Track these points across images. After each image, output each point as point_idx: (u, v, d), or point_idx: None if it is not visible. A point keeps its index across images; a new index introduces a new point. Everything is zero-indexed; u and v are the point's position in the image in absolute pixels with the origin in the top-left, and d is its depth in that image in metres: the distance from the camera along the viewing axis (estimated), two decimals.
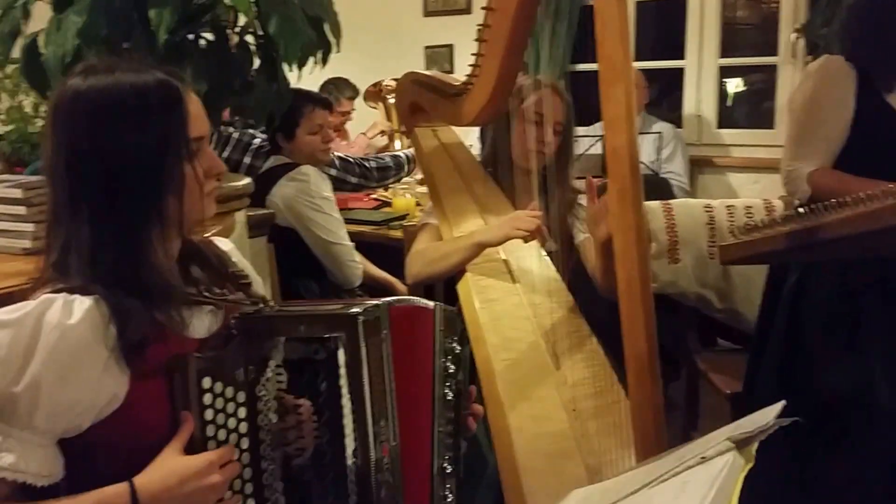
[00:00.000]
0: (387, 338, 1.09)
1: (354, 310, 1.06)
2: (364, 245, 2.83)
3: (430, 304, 1.19)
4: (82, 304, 0.96)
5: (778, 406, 0.75)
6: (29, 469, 0.93)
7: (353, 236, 2.70)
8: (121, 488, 0.95)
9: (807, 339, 1.90)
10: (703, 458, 0.70)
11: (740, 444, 0.69)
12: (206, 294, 1.09)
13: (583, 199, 1.98)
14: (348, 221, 2.79)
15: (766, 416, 0.73)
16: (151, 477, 0.97)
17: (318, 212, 2.56)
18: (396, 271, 2.78)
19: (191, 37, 1.82)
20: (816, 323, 1.89)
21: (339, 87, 4.14)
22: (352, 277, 2.64)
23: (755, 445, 0.70)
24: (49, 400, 0.93)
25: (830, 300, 1.87)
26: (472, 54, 1.67)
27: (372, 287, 2.78)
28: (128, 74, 1.01)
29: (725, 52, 3.88)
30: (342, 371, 1.05)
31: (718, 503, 0.63)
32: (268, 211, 2.44)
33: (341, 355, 1.05)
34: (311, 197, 2.54)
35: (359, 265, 2.67)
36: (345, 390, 1.05)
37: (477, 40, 1.65)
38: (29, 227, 1.58)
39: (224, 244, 1.26)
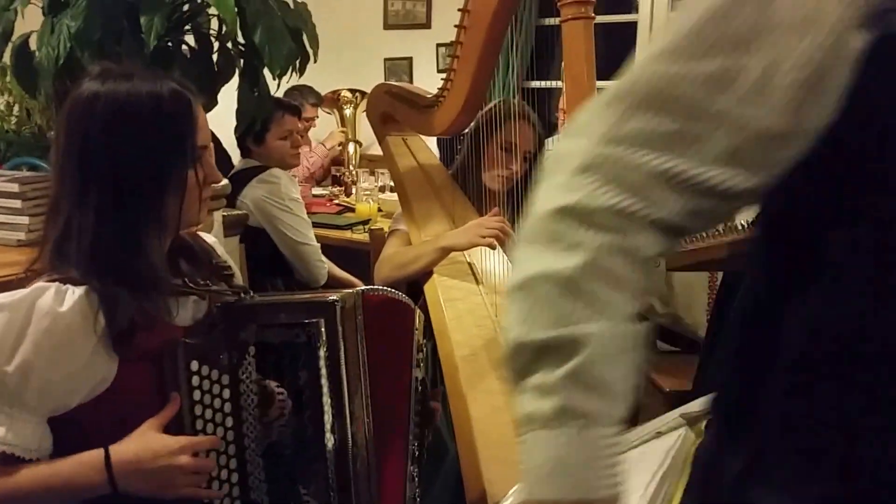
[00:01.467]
0: (360, 323, 1.18)
1: (332, 297, 1.15)
2: (328, 248, 2.91)
3: (410, 301, 1.28)
4: (73, 294, 1.02)
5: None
6: (17, 442, 0.99)
7: (317, 239, 2.77)
8: (96, 452, 1.02)
9: None
10: (658, 432, 0.80)
11: (691, 421, 0.79)
12: (192, 285, 1.15)
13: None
14: (313, 225, 2.85)
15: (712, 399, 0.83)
16: (127, 447, 1.03)
17: (287, 213, 2.63)
18: (358, 272, 2.87)
19: (174, 42, 1.88)
20: None
21: (304, 94, 4.19)
22: (318, 276, 2.72)
23: (704, 423, 0.79)
24: (39, 379, 0.99)
25: None
26: (445, 69, 1.75)
27: (336, 287, 2.85)
28: (144, 82, 1.08)
29: None
30: (321, 353, 1.13)
31: (673, 469, 0.72)
32: (241, 212, 2.50)
33: (321, 338, 1.13)
34: (281, 199, 2.61)
35: (325, 266, 2.74)
36: (324, 371, 1.13)
37: (449, 56, 1.73)
38: (24, 219, 1.64)
39: (208, 238, 1.33)
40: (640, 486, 0.72)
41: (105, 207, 1.06)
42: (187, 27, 1.87)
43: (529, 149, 1.98)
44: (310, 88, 4.22)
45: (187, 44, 1.90)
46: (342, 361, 1.14)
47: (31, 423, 1.01)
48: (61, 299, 1.01)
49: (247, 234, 2.54)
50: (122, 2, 1.67)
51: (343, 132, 4.32)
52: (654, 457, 0.77)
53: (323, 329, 1.13)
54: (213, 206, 1.97)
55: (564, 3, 1.28)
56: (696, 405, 0.83)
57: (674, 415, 0.84)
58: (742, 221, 1.66)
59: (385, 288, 1.26)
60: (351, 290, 1.19)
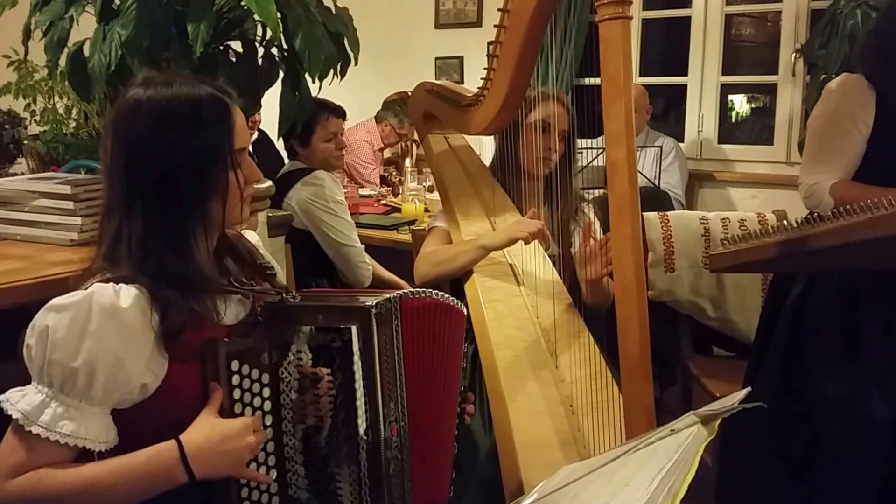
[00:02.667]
0: (398, 328, 1.18)
1: (368, 302, 1.15)
2: (373, 248, 2.94)
3: (457, 301, 1.28)
4: (129, 292, 1.05)
5: (743, 392, 0.84)
6: (88, 435, 1.04)
7: (363, 239, 2.81)
8: (169, 444, 1.05)
9: (808, 346, 1.93)
10: (672, 430, 0.80)
11: (705, 419, 0.78)
12: (237, 284, 1.18)
13: (585, 208, 2.08)
14: (359, 225, 2.89)
15: (732, 399, 0.82)
16: (196, 433, 1.06)
17: (331, 215, 2.67)
18: (404, 273, 2.89)
19: (221, 48, 1.94)
20: (815, 331, 1.92)
21: (405, 111, 4.21)
22: (361, 278, 2.75)
23: (718, 421, 0.78)
24: (105, 374, 1.03)
25: (831, 310, 1.90)
26: (484, 68, 1.75)
27: (380, 288, 2.88)
28: (184, 88, 1.11)
29: (728, 69, 3.97)
30: (356, 357, 1.14)
31: (680, 464, 0.71)
32: (286, 213, 2.55)
33: (355, 343, 1.13)
34: (325, 201, 2.65)
35: (368, 266, 2.77)
36: (358, 375, 1.14)
37: (489, 55, 1.73)
38: (76, 220, 1.70)
39: (252, 236, 1.36)
40: (647, 480, 0.71)
41: (151, 212, 1.09)
42: (233, 33, 1.92)
43: (564, 128, 1.98)
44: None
45: (233, 49, 1.95)
46: (377, 367, 1.14)
47: (98, 415, 1.05)
48: (120, 297, 1.05)
49: (292, 235, 2.59)
50: (170, 10, 1.72)
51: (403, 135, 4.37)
52: (664, 453, 0.76)
53: (356, 335, 1.13)
54: (256, 206, 2.02)
55: (601, 2, 1.26)
56: (717, 404, 0.82)
57: (690, 414, 0.83)
58: (793, 220, 1.64)
59: (429, 290, 1.26)
60: (389, 295, 1.18)
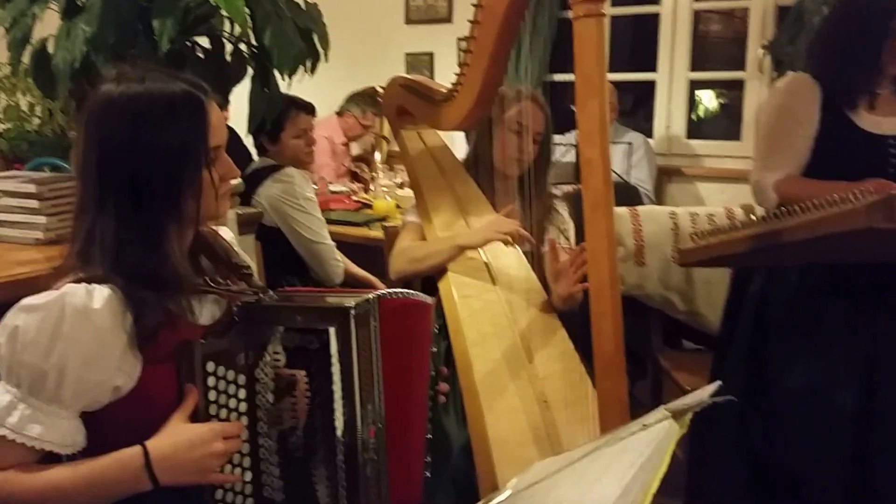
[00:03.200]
0: (376, 329, 1.17)
1: (347, 303, 1.13)
2: (345, 245, 2.92)
3: (428, 298, 1.28)
4: (102, 293, 1.03)
5: (713, 386, 0.84)
6: (55, 439, 1.02)
7: (334, 236, 2.79)
8: (134, 450, 1.03)
9: (770, 340, 1.97)
10: (644, 425, 0.80)
11: (676, 413, 0.79)
12: (212, 284, 1.17)
13: (559, 206, 2.09)
14: (330, 222, 2.87)
15: (703, 393, 0.83)
16: (163, 441, 1.05)
17: (301, 212, 2.65)
18: (376, 270, 2.88)
19: (188, 44, 1.91)
20: (778, 325, 1.96)
21: (367, 102, 4.21)
22: (333, 275, 2.73)
23: (689, 415, 0.79)
24: (75, 377, 1.01)
25: (792, 303, 1.94)
26: (459, 64, 1.75)
27: (352, 285, 2.86)
28: (157, 83, 1.09)
29: (696, 65, 4.01)
30: (334, 359, 1.12)
31: (653, 460, 0.72)
32: (256, 210, 2.53)
33: (333, 345, 1.12)
34: (296, 198, 2.63)
35: (340, 263, 2.76)
36: (336, 377, 1.13)
37: (462, 51, 1.72)
38: (41, 219, 1.67)
39: (227, 234, 1.34)
40: (620, 476, 0.72)
41: (124, 210, 1.07)
42: (200, 29, 1.89)
43: (540, 130, 1.98)
44: (373, 97, 4.23)
45: (200, 46, 1.93)
46: (355, 369, 1.13)
47: (66, 418, 1.04)
48: (92, 298, 1.03)
49: (262, 232, 2.56)
50: (136, 6, 1.70)
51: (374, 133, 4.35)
52: (637, 448, 0.77)
53: (334, 337, 1.12)
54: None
55: (576, 0, 1.27)
56: (687, 398, 0.83)
57: (661, 408, 0.84)
58: (760, 215, 1.68)
59: (404, 291, 1.26)
60: (368, 296, 1.17)
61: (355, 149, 4.68)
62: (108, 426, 1.06)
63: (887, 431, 1.84)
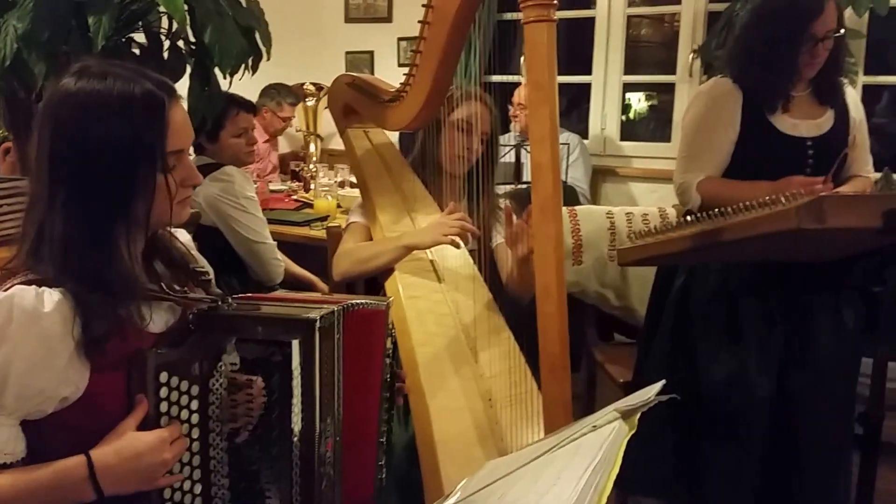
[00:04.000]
0: (339, 342, 1.14)
1: (312, 315, 1.09)
2: (285, 244, 2.89)
3: (383, 303, 1.26)
4: (52, 297, 1.00)
5: (658, 385, 0.87)
6: None
7: (274, 236, 2.76)
8: (78, 460, 1.00)
9: (691, 334, 2.03)
10: (594, 426, 0.82)
11: (625, 414, 0.81)
12: (168, 290, 1.12)
13: (502, 205, 2.11)
14: (270, 221, 2.83)
15: (649, 392, 0.85)
16: (108, 450, 1.02)
17: (241, 211, 2.61)
18: (317, 269, 2.87)
19: (124, 41, 1.87)
20: (700, 320, 2.02)
21: (282, 93, 4.15)
22: (273, 275, 2.70)
23: (637, 415, 0.81)
24: (18, 383, 0.98)
25: (712, 299, 2.01)
26: (401, 64, 1.74)
27: (292, 284, 2.84)
28: (118, 81, 1.05)
29: (630, 69, 4.10)
30: (295, 373, 1.09)
31: (605, 461, 0.74)
32: (194, 210, 2.48)
33: (296, 358, 1.08)
34: (236, 197, 2.59)
35: (281, 263, 2.73)
36: (297, 391, 1.09)
37: (412, 51, 1.71)
38: None
39: (183, 235, 1.29)
40: (574, 479, 0.73)
41: (73, 208, 1.04)
42: (137, 25, 1.85)
43: (486, 129, 1.98)
44: (288, 88, 4.17)
45: (136, 42, 1.88)
46: (317, 383, 1.10)
47: (6, 425, 1.00)
48: (42, 301, 0.99)
49: (199, 232, 2.51)
50: (70, 1, 1.64)
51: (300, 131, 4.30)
52: (589, 450, 0.78)
53: (297, 350, 1.08)
54: None
55: (527, 4, 1.27)
56: (633, 398, 0.85)
57: (610, 409, 0.86)
58: (688, 216, 1.71)
59: (366, 301, 1.23)
60: (333, 307, 1.14)
61: (283, 146, 4.62)
62: (53, 435, 1.03)
63: (796, 416, 1.95)
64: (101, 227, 1.06)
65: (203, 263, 1.28)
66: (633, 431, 0.79)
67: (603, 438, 0.77)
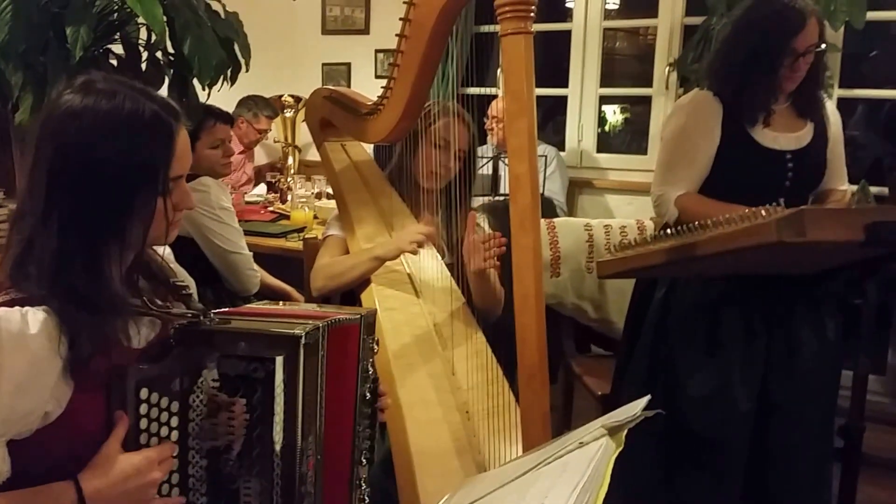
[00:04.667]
0: (323, 358, 1.13)
1: (297, 331, 1.07)
2: (260, 256, 2.87)
3: (356, 315, 1.24)
4: (36, 317, 0.98)
5: (644, 400, 0.88)
6: None
7: (251, 247, 2.73)
8: (66, 485, 0.98)
9: (671, 347, 2.04)
10: (581, 443, 0.82)
11: (612, 430, 0.81)
12: (149, 305, 1.11)
13: (480, 219, 2.12)
14: (246, 233, 2.80)
15: (634, 408, 0.86)
16: (96, 474, 1.00)
17: (217, 222, 2.57)
18: (293, 281, 2.84)
19: (101, 52, 1.85)
20: (680, 333, 2.03)
21: (260, 105, 4.12)
22: (249, 286, 2.67)
23: (625, 431, 0.82)
24: (6, 405, 0.95)
25: (693, 313, 2.01)
26: (378, 76, 1.74)
27: (267, 296, 2.82)
28: (128, 101, 1.03)
29: (606, 81, 4.13)
30: (278, 390, 1.06)
31: (594, 480, 0.74)
32: None
33: (279, 375, 1.06)
34: (212, 207, 2.55)
35: (257, 274, 2.70)
36: (279, 409, 1.07)
37: (390, 64, 1.72)
38: None
39: (164, 249, 1.25)
40: (563, 497, 0.73)
41: (68, 228, 1.02)
42: (114, 36, 1.83)
43: (463, 147, 1.98)
44: (266, 101, 4.15)
45: (114, 53, 1.86)
46: (300, 401, 1.08)
47: None
48: (27, 323, 0.97)
49: (174, 242, 2.47)
50: (47, 12, 1.63)
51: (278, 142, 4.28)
52: (576, 467, 0.78)
53: (281, 367, 1.06)
54: None
55: (504, 17, 1.27)
56: (619, 414, 0.85)
57: (596, 424, 0.86)
58: (668, 229, 1.74)
59: (347, 318, 1.21)
60: (318, 323, 1.12)
61: (261, 157, 4.60)
62: (32, 453, 1.00)
63: (778, 429, 1.96)
64: (96, 247, 1.04)
65: (184, 276, 1.27)
66: (620, 448, 0.79)
67: (590, 456, 0.77)
